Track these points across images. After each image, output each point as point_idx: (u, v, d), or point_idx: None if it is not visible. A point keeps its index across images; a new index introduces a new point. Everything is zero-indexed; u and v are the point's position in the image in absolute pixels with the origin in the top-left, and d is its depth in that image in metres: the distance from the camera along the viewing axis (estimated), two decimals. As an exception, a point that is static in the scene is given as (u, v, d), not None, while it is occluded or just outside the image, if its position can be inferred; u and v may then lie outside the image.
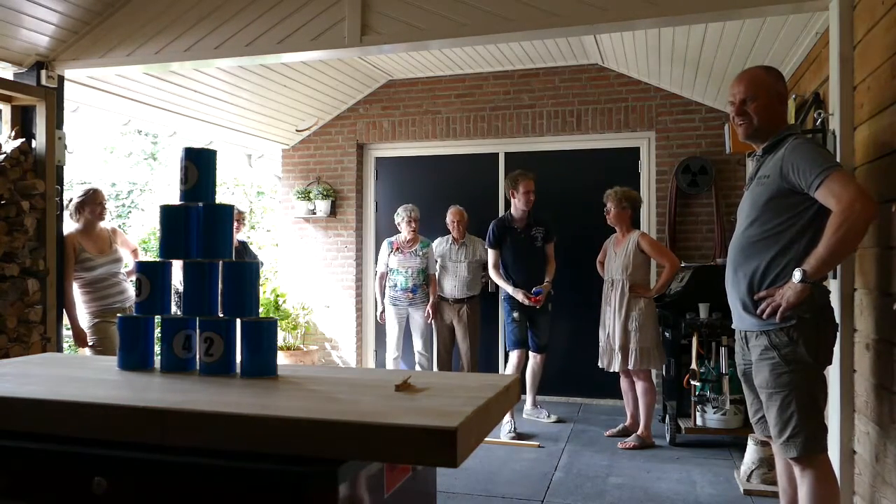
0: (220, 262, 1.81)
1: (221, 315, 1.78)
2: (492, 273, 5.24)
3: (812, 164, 2.27)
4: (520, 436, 4.90)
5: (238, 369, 1.72)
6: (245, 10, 3.79)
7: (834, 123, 2.85)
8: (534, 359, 5.26)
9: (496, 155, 6.38)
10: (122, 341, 1.84)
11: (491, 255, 5.24)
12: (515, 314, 5.14)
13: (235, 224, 5.41)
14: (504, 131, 6.24)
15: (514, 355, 5.18)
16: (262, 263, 7.16)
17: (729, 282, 2.56)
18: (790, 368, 2.34)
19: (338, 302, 6.66)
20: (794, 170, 2.31)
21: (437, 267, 5.60)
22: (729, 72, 4.70)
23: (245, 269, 1.79)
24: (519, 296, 5.05)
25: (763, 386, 2.42)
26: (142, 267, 1.86)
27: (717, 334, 4.44)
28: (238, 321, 1.73)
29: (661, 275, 4.76)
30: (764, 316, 2.37)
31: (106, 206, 4.34)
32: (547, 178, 5.98)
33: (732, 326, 2.64)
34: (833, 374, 2.80)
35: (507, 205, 6.15)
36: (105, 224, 4.41)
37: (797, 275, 2.27)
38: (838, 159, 2.81)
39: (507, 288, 5.13)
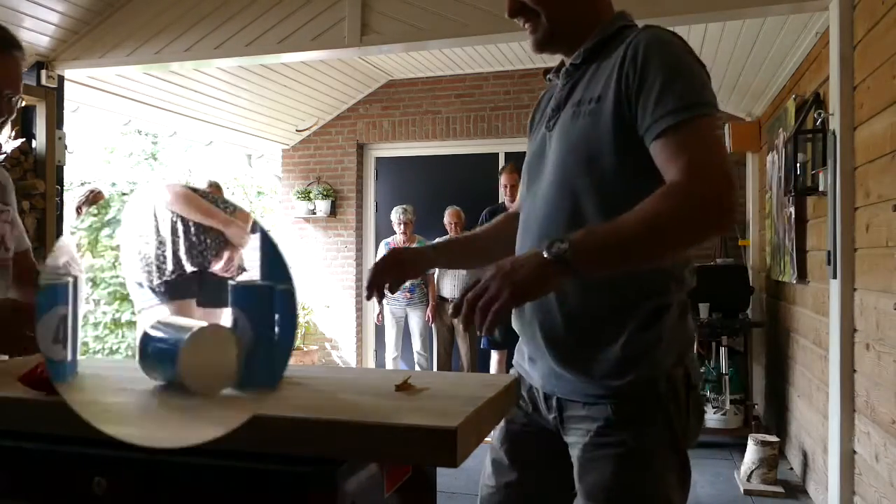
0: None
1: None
2: None
3: (671, 88, 1.20)
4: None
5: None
6: (245, 10, 3.79)
7: (834, 123, 2.85)
8: None
9: (496, 155, 6.38)
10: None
11: None
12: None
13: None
14: (504, 131, 6.24)
15: (495, 355, 5.16)
16: None
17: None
18: (646, 461, 1.35)
19: (338, 302, 6.66)
20: (641, 86, 1.23)
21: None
22: (729, 72, 4.69)
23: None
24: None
25: (597, 497, 1.34)
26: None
27: (717, 334, 4.44)
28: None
29: None
30: (483, 332, 1.19)
31: None
32: (547, 178, 5.98)
33: (534, 385, 1.48)
34: (833, 374, 2.80)
35: (507, 205, 6.17)
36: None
37: (547, 246, 1.14)
38: (838, 159, 2.80)
39: None
